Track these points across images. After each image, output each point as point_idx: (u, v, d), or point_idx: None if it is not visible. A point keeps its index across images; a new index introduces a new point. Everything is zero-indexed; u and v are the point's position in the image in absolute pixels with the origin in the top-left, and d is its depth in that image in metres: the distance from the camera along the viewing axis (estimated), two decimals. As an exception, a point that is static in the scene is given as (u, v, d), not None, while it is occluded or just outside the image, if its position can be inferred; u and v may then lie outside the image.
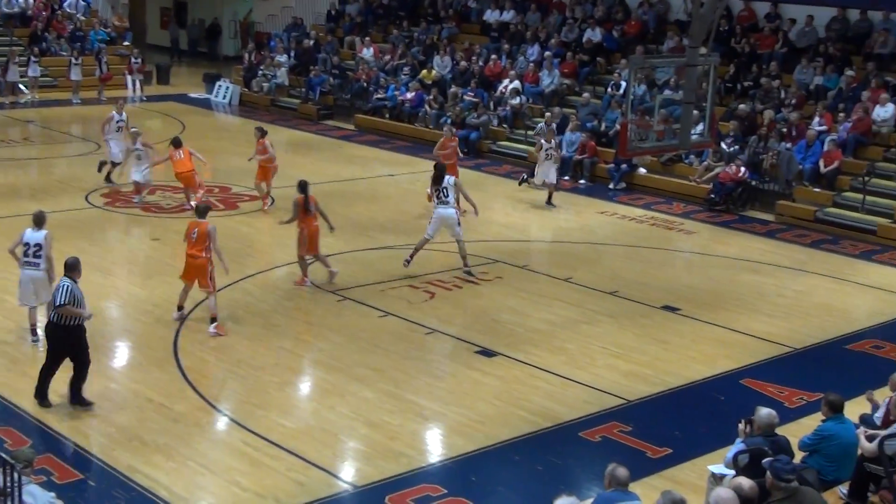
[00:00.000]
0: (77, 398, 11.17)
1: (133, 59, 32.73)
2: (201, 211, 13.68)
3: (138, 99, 32.24)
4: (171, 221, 18.59)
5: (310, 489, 9.78)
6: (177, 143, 19.22)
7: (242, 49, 37.56)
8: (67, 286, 10.99)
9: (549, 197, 21.27)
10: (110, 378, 12.17)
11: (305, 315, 14.46)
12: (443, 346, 13.49)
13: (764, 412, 9.05)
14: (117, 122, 20.92)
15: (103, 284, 15.29)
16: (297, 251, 15.33)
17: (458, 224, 16.18)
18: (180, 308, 13.76)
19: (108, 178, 20.89)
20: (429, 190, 17.29)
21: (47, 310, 11.31)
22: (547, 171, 21.19)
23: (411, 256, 16.14)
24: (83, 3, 36.52)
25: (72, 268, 11.22)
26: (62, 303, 10.91)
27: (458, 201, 16.43)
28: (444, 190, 16.06)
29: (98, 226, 18.28)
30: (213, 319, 13.39)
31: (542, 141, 21.33)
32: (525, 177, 22.31)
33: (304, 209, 15.04)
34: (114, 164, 20.84)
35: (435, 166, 16.71)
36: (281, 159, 20.73)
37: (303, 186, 15.20)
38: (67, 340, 11.07)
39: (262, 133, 19.79)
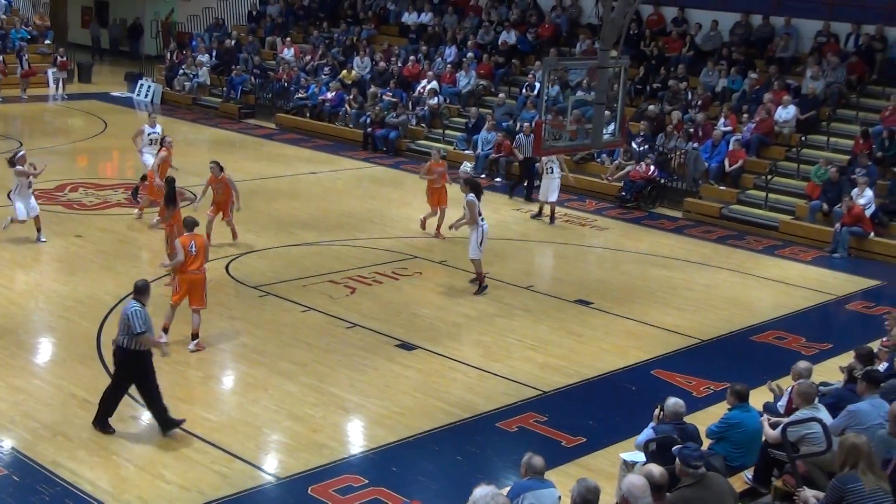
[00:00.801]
0: (167, 425, 10.69)
1: (59, 57, 32.34)
2: (190, 225, 13.17)
3: (60, 97, 31.85)
4: (94, 218, 18.52)
5: (233, 481, 9.85)
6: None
7: (164, 48, 37.23)
8: (142, 311, 10.44)
9: (551, 214, 20.57)
10: (34, 374, 12.16)
11: (228, 310, 14.50)
12: (364, 340, 13.62)
13: (671, 401, 9.30)
14: (149, 134, 20.02)
15: (26, 281, 15.26)
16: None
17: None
18: (166, 330, 13.00)
19: (134, 194, 19.45)
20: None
21: (123, 334, 10.49)
22: (548, 187, 20.30)
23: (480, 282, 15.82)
24: (3, 1, 35.87)
25: (142, 291, 10.66)
26: (143, 330, 10.39)
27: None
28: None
29: (20, 223, 18.06)
30: (195, 336, 13.02)
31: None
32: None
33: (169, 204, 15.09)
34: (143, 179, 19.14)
35: (469, 181, 16.19)
36: (203, 157, 20.74)
37: (169, 182, 15.26)
38: (137, 368, 10.61)
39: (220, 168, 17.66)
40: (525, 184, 22.38)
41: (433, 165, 18.96)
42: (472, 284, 15.96)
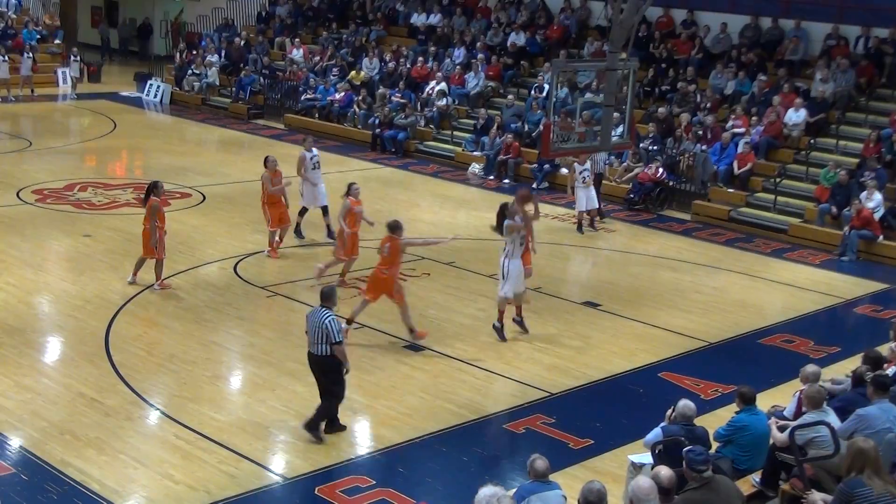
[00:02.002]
0: (313, 426, 10.78)
1: (73, 57, 32.48)
2: (393, 227, 13.43)
3: (71, 97, 31.99)
4: (102, 218, 18.58)
5: (241, 481, 9.87)
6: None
7: (173, 49, 37.33)
8: (336, 319, 10.64)
9: (592, 221, 20.14)
10: (42, 373, 12.20)
11: (236, 310, 14.54)
12: (371, 341, 13.62)
13: (682, 403, 9.30)
14: (311, 159, 17.78)
15: (35, 280, 15.30)
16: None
17: (503, 277, 13.86)
18: (350, 322, 13.40)
19: (297, 231, 17.97)
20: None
21: (316, 343, 10.57)
22: (588, 196, 19.75)
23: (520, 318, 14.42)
24: (14, 1, 36.05)
25: (329, 297, 10.77)
26: (340, 340, 10.59)
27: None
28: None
29: (29, 222, 18.17)
30: (412, 331, 13.48)
31: (576, 164, 19.75)
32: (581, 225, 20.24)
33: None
34: (302, 212, 18.02)
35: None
36: (212, 157, 20.81)
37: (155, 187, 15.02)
38: (336, 373, 10.73)
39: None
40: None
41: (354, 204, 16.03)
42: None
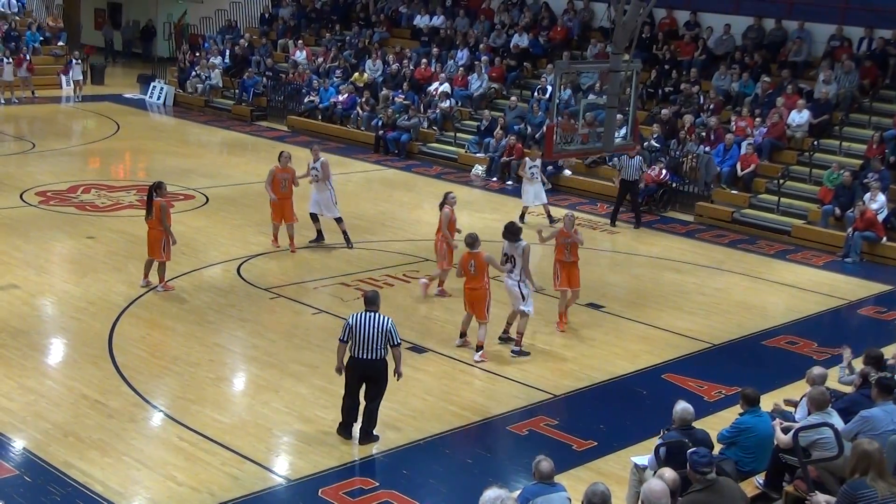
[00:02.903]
0: (369, 434, 10.85)
1: (74, 60, 32.54)
2: (471, 243, 13.36)
3: (75, 99, 32.04)
4: (106, 219, 18.59)
5: (244, 483, 9.87)
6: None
7: (177, 51, 37.39)
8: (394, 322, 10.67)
9: (548, 214, 20.38)
10: (45, 375, 12.20)
11: (240, 312, 14.55)
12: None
13: (680, 407, 9.25)
14: (311, 169, 17.66)
15: (38, 282, 15.31)
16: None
17: (521, 298, 13.60)
18: (463, 335, 13.61)
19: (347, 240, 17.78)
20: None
21: (376, 348, 10.52)
22: (536, 191, 20.23)
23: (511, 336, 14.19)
24: (17, 2, 36.12)
25: (374, 301, 10.71)
26: (399, 342, 10.72)
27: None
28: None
29: (33, 224, 18.19)
30: (480, 348, 13.25)
31: (527, 159, 20.42)
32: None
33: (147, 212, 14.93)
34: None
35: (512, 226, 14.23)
36: (215, 159, 20.82)
37: (150, 188, 15.01)
38: (383, 378, 10.77)
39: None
40: (632, 210, 21.04)
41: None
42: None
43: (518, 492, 8.13)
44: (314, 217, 17.78)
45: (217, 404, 11.58)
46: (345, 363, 10.74)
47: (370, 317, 10.55)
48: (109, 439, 10.53)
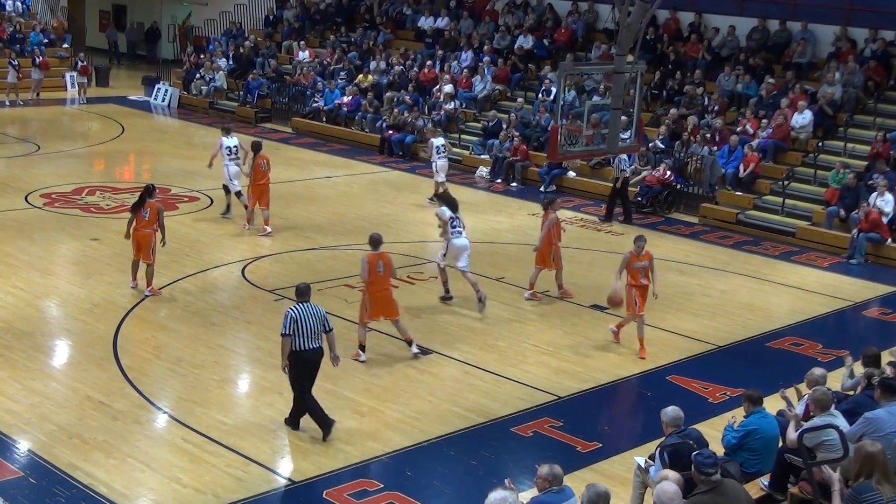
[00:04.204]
0: (328, 424, 11.02)
1: (80, 62, 32.62)
2: (376, 242, 13.10)
3: (80, 101, 32.10)
4: (110, 221, 18.61)
5: (249, 485, 9.89)
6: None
7: (181, 53, 37.43)
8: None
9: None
10: (50, 376, 12.24)
11: (244, 314, 14.56)
12: (379, 345, 13.61)
13: (670, 410, 9.19)
14: (224, 146, 19.07)
15: (43, 284, 15.36)
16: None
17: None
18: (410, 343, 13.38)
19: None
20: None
21: (318, 335, 10.85)
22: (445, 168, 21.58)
23: (447, 290, 15.64)
24: (21, 4, 36.20)
25: (306, 292, 10.99)
26: (332, 327, 10.99)
27: None
28: (459, 220, 15.29)
29: (38, 226, 18.24)
30: (411, 342, 13.28)
31: (432, 140, 21.67)
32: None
33: (139, 213, 14.95)
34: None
35: (441, 196, 16.12)
36: (220, 161, 20.78)
37: (145, 189, 15.12)
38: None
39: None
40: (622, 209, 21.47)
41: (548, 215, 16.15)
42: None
43: (523, 493, 8.08)
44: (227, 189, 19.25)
45: (221, 406, 11.60)
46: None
47: (308, 307, 10.81)
48: (114, 441, 10.55)
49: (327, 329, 10.89)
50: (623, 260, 14.16)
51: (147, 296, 14.89)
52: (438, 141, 21.49)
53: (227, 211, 19.38)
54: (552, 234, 15.73)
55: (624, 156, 20.99)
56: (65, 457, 10.17)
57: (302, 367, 10.83)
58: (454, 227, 15.14)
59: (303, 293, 10.94)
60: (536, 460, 8.18)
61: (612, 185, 21.47)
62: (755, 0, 26.33)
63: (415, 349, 13.20)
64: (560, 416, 11.78)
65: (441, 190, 20.09)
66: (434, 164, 21.36)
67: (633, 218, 21.23)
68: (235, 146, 19.09)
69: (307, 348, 10.75)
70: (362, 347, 13.08)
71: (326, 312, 10.97)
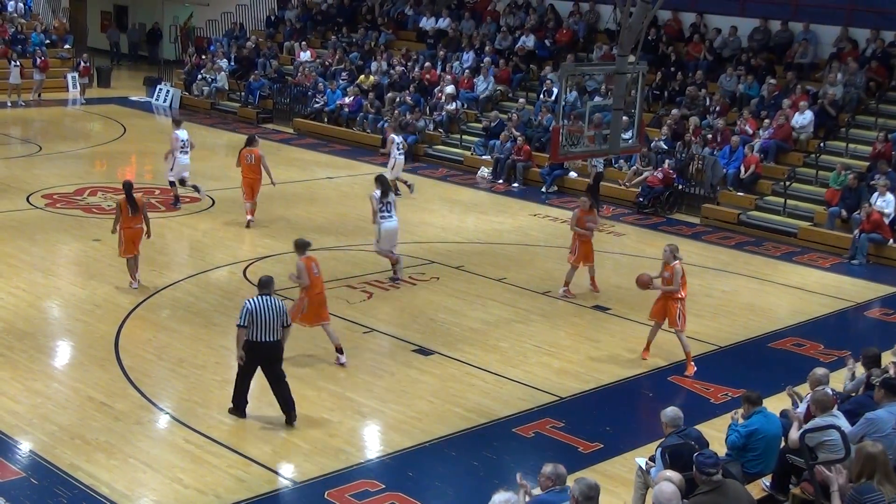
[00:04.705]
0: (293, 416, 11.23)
1: (83, 62, 32.65)
2: (303, 246, 12.99)
3: (79, 101, 32.11)
4: (112, 222, 18.55)
5: (250, 485, 9.90)
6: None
7: (183, 53, 37.44)
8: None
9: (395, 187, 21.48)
10: (52, 377, 12.24)
11: (245, 315, 14.58)
12: (381, 345, 13.67)
13: (669, 411, 9.20)
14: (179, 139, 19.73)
15: (45, 285, 15.37)
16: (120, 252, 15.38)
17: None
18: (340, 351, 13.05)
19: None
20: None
21: (276, 329, 10.93)
22: (401, 166, 22.22)
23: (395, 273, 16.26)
24: (22, 5, 36.23)
25: (268, 284, 11.18)
26: (291, 322, 11.21)
27: None
28: (390, 204, 15.89)
29: (39, 227, 18.24)
30: (341, 350, 12.99)
31: (392, 135, 22.36)
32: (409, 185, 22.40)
33: (128, 210, 15.08)
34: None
35: (378, 178, 16.34)
36: (221, 161, 20.89)
37: (126, 187, 15.28)
38: (281, 358, 11.19)
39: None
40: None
41: (581, 214, 16.16)
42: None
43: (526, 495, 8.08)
44: (173, 184, 19.82)
45: (223, 407, 11.55)
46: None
47: (267, 300, 10.89)
48: (116, 441, 10.56)
49: (285, 324, 11.00)
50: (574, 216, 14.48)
51: (135, 287, 15.08)
52: (399, 138, 22.23)
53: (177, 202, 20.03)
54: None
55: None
56: (66, 457, 10.18)
57: (254, 358, 10.96)
58: (382, 210, 15.68)
59: (264, 285, 11.10)
60: (538, 461, 8.15)
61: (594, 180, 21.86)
62: (757, 1, 26.32)
63: (343, 359, 12.88)
64: (562, 417, 11.78)
65: (392, 185, 20.32)
66: (393, 160, 21.89)
67: (620, 217, 21.18)
68: (188, 139, 19.85)
69: (262, 341, 10.85)
70: (340, 350, 12.95)
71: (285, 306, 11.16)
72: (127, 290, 15.11)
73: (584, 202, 16.32)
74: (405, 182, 22.22)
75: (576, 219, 15.95)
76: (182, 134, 19.74)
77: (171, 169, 19.74)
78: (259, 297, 10.94)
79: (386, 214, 15.77)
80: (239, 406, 11.27)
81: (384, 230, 15.81)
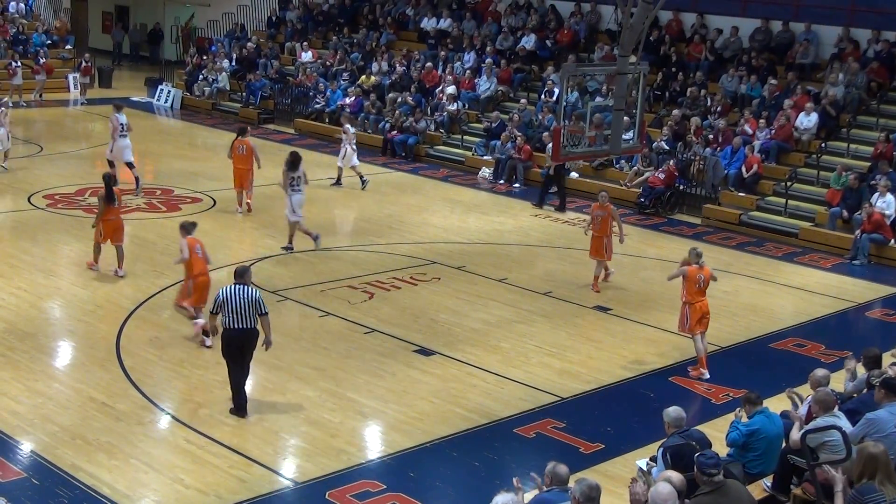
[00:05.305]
0: (241, 409, 11.44)
1: (85, 62, 32.67)
2: (190, 227, 13.80)
3: (80, 101, 32.11)
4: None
5: (251, 486, 9.90)
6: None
7: (184, 54, 37.46)
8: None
9: (339, 178, 22.94)
10: (53, 378, 12.24)
11: (246, 316, 14.58)
12: (382, 346, 13.66)
13: (672, 411, 9.20)
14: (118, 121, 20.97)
15: (46, 285, 15.37)
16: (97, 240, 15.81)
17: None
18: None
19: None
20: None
21: (249, 317, 11.17)
22: (352, 156, 22.81)
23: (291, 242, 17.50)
24: (24, 6, 36.24)
25: (244, 274, 11.46)
26: (268, 311, 11.34)
27: None
28: (299, 178, 17.29)
29: (41, 227, 18.26)
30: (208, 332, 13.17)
31: (348, 126, 23.13)
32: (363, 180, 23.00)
33: (108, 202, 15.54)
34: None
35: (291, 154, 17.72)
36: (222, 162, 20.91)
37: (106, 180, 15.77)
38: (253, 347, 11.39)
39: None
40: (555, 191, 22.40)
41: (595, 208, 16.72)
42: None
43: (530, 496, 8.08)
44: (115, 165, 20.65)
45: (224, 407, 11.55)
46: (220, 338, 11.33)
47: (240, 289, 11.19)
48: (117, 442, 10.56)
49: (261, 312, 11.20)
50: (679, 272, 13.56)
51: (121, 276, 15.42)
52: (352, 129, 23.12)
53: (138, 184, 20.70)
54: (605, 227, 16.34)
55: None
56: (68, 458, 10.18)
57: (227, 345, 11.21)
58: (293, 185, 17.19)
59: (240, 275, 11.41)
60: (539, 461, 8.15)
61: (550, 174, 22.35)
62: (758, 1, 26.32)
63: (209, 342, 13.10)
64: (563, 418, 11.78)
65: (337, 174, 22.82)
66: (345, 150, 22.75)
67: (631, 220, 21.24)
68: (126, 122, 20.94)
69: (232, 328, 11.12)
70: (206, 333, 13.11)
71: (264, 296, 11.63)
72: (128, 290, 15.11)
73: (604, 196, 16.69)
74: (360, 175, 22.81)
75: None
76: (122, 118, 20.85)
77: (111, 150, 20.95)
78: (233, 286, 11.24)
79: (297, 188, 17.18)
80: (239, 405, 11.34)
81: (294, 201, 17.16)
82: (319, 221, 19.73)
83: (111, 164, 20.66)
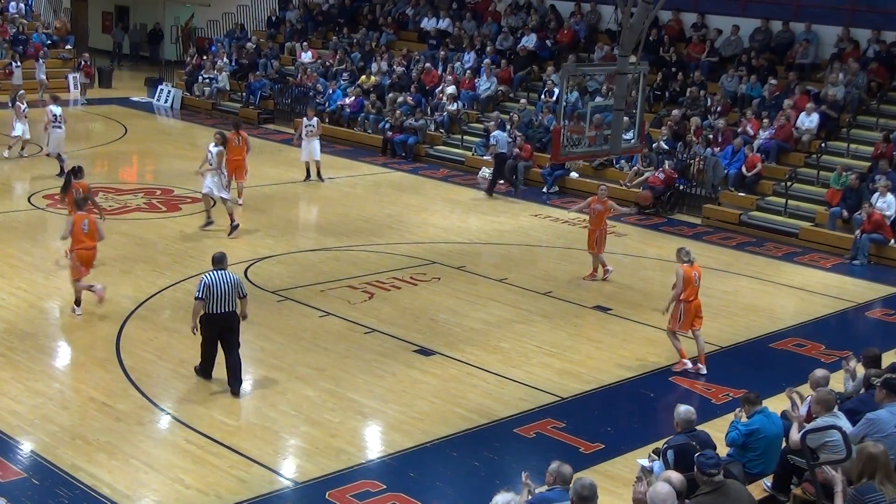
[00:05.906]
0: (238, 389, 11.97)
1: (84, 62, 32.67)
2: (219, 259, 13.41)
3: (80, 101, 32.10)
4: (113, 223, 18.55)
5: (252, 486, 9.90)
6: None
7: (184, 54, 37.46)
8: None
9: (318, 172, 23.11)
10: (53, 378, 12.25)
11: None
12: (382, 346, 13.65)
13: (683, 410, 9.20)
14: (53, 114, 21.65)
15: (46, 285, 15.35)
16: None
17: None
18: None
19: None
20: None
21: (231, 301, 11.75)
22: (313, 149, 22.82)
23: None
24: (24, 6, 36.24)
25: (222, 260, 11.99)
26: (247, 293, 12.09)
27: None
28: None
29: (40, 227, 18.28)
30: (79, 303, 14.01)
31: (304, 119, 23.18)
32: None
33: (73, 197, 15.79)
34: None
35: (219, 133, 18.67)
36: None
37: (75, 173, 16.22)
38: (237, 326, 11.99)
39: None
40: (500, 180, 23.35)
41: (593, 202, 17.10)
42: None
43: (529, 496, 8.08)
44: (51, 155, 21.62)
45: (224, 407, 11.59)
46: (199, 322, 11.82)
47: (222, 275, 11.77)
48: (117, 442, 10.55)
49: (241, 295, 11.87)
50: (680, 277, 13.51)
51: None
52: (311, 121, 22.99)
53: (62, 172, 20.24)
54: (600, 220, 16.81)
55: (497, 132, 23.30)
56: (67, 458, 10.17)
57: (211, 328, 11.74)
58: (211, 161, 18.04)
59: (218, 262, 11.90)
60: (539, 461, 8.16)
61: (493, 162, 23.11)
62: (758, 1, 26.33)
63: (78, 311, 13.85)
64: (563, 418, 11.77)
65: (305, 167, 23.07)
66: (307, 142, 22.86)
67: (620, 218, 21.20)
68: (60, 114, 21.56)
69: (218, 312, 11.64)
70: (77, 302, 13.94)
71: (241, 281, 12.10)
72: (128, 290, 15.11)
73: (603, 191, 17.16)
74: (318, 172, 23.07)
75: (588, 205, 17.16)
76: (56, 109, 21.48)
77: (48, 143, 21.61)
78: (215, 272, 11.72)
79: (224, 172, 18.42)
80: (205, 370, 12.04)
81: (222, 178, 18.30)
82: (320, 221, 19.79)
83: (49, 155, 21.51)
